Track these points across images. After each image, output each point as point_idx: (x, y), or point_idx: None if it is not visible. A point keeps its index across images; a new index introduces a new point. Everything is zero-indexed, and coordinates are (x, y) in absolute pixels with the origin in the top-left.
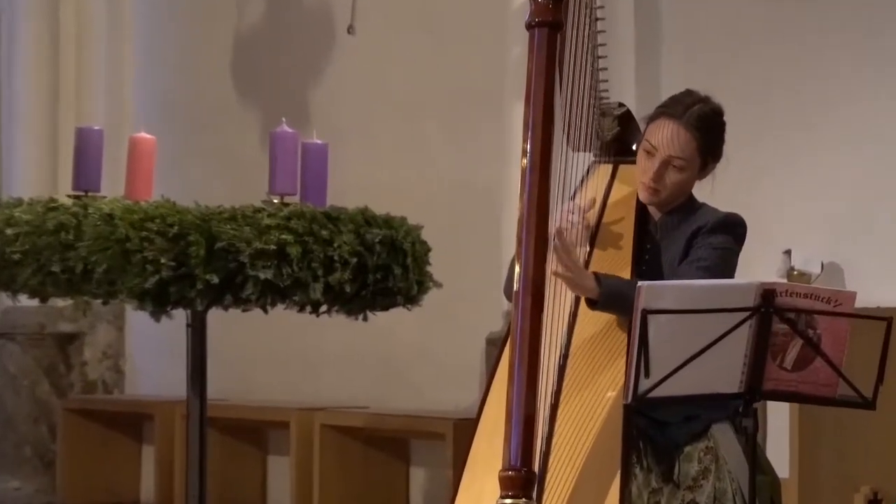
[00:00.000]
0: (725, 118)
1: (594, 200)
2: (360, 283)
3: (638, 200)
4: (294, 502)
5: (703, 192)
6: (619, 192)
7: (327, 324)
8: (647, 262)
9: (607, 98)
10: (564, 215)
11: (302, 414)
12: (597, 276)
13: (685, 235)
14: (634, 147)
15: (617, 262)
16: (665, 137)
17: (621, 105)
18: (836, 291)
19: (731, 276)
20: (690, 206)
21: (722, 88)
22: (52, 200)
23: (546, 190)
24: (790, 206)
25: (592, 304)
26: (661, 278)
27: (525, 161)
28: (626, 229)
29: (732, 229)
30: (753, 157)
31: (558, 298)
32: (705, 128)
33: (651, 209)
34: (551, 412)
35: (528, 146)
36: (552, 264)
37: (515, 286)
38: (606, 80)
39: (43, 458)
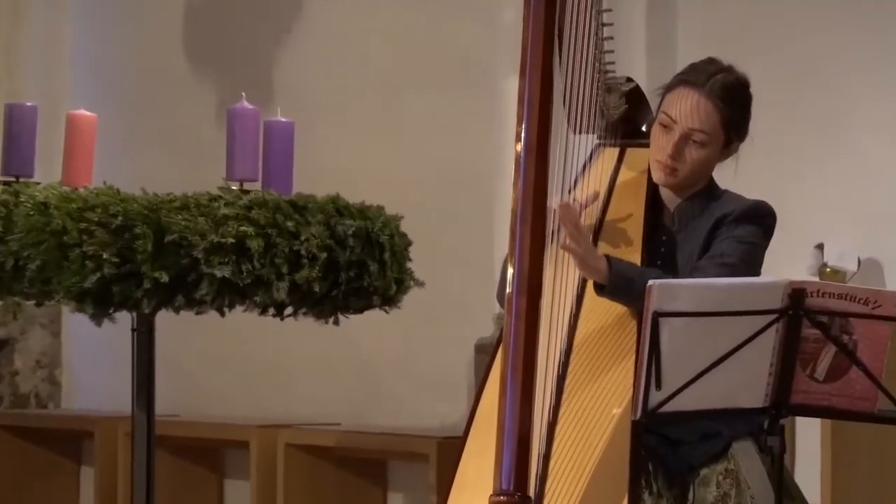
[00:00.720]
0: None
1: (597, 194)
2: (331, 281)
3: (649, 188)
4: None
5: (724, 176)
6: (627, 178)
7: (293, 328)
8: (662, 257)
9: (614, 72)
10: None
11: (264, 432)
12: (608, 258)
13: (706, 226)
14: (644, 128)
15: (626, 258)
16: (685, 108)
17: (629, 80)
18: (875, 291)
19: (756, 273)
20: (711, 191)
21: (746, 61)
22: None
23: (544, 176)
24: (823, 194)
25: (600, 289)
26: (678, 276)
27: (520, 144)
28: (636, 220)
29: (761, 220)
30: (781, 138)
31: (557, 299)
32: (730, 99)
33: (665, 196)
34: (549, 429)
35: (524, 127)
36: (560, 238)
37: (509, 287)
38: (613, 52)
39: None
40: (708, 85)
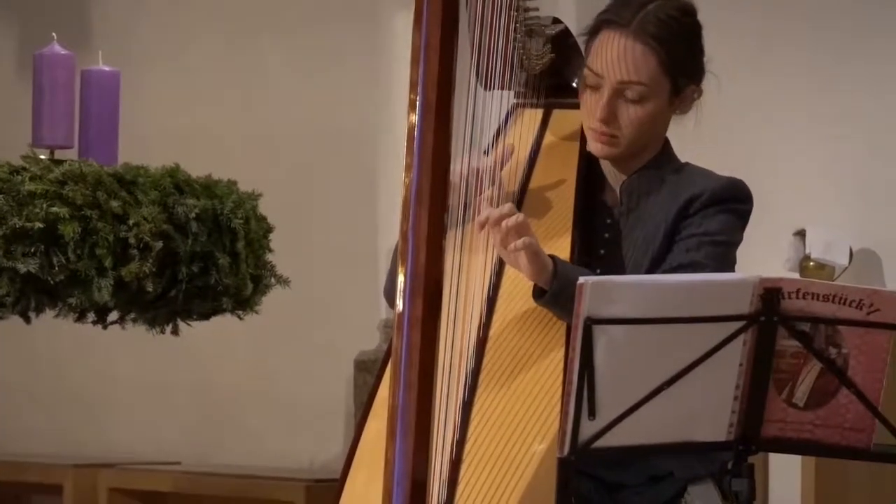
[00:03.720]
0: (709, 35)
1: (512, 148)
2: (168, 278)
3: (582, 159)
4: None
5: (682, 139)
6: (553, 148)
7: (120, 340)
8: (607, 245)
9: (536, 11)
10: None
11: (81, 473)
12: (551, 256)
13: (668, 207)
14: (575, 83)
15: (552, 252)
16: (611, 57)
17: (557, 21)
18: (871, 291)
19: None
20: (667, 161)
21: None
22: None
23: (445, 143)
24: (804, 167)
25: (539, 294)
26: (627, 270)
27: (415, 103)
28: (565, 203)
29: (737, 206)
30: (749, 93)
31: (462, 302)
32: (668, 34)
33: (610, 174)
34: (451, 471)
35: (420, 81)
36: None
37: (400, 287)
38: None
39: None
40: (635, 22)
